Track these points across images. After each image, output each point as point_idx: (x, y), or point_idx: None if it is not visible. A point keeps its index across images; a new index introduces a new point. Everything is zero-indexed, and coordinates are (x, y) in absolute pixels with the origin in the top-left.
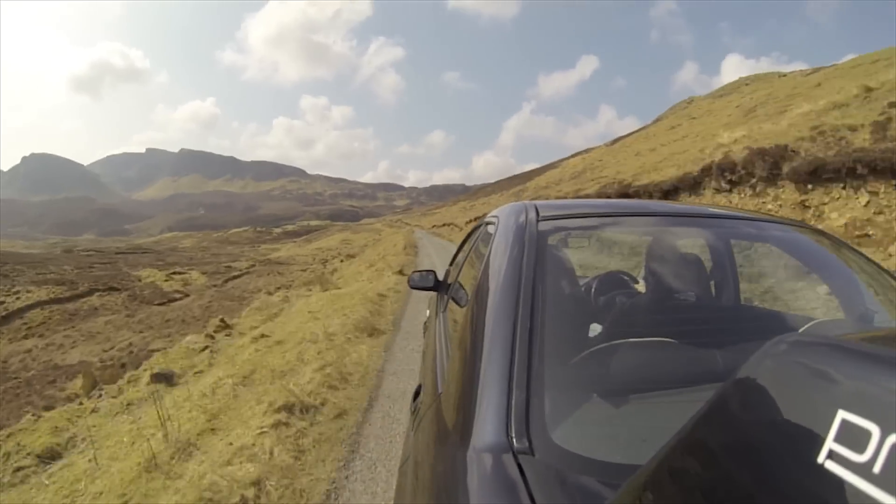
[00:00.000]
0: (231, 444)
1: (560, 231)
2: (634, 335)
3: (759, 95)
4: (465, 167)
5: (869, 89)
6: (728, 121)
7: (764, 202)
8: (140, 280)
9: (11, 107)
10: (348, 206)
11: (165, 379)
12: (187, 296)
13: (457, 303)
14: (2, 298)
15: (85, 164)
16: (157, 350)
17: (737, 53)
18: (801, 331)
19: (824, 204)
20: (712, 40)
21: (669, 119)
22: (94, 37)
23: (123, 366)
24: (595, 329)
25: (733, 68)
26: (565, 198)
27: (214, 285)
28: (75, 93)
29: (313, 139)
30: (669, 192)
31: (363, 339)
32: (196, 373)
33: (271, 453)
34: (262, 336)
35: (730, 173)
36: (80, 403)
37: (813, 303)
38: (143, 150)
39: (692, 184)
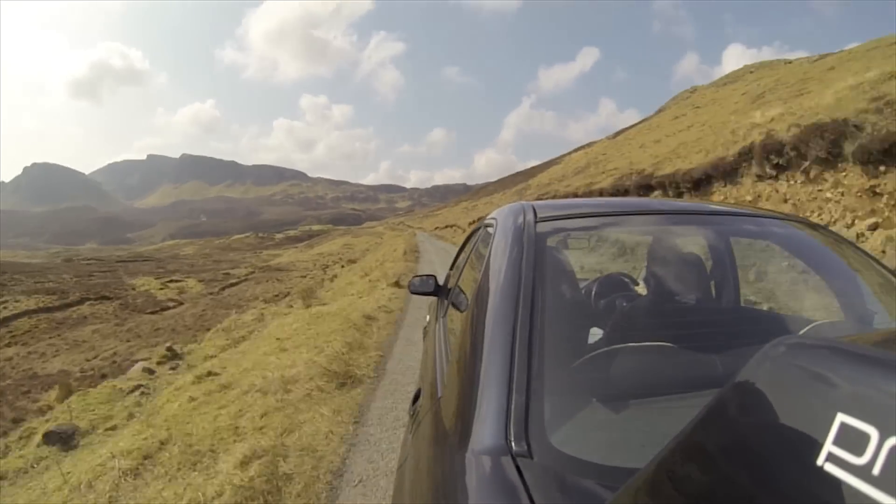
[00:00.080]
0: None
1: (559, 232)
2: (634, 339)
3: (767, 82)
4: (467, 166)
5: None
6: (736, 108)
7: (820, 189)
8: (134, 288)
9: (12, 116)
10: (350, 210)
11: (61, 440)
12: (181, 304)
13: (456, 307)
14: None
15: (86, 172)
16: (142, 359)
17: (738, 43)
18: (800, 333)
19: None
20: (714, 30)
21: (672, 109)
22: (92, 37)
23: (104, 376)
24: (595, 333)
25: (735, 58)
26: (576, 193)
27: (210, 293)
28: (75, 98)
29: (314, 140)
30: (701, 181)
31: (329, 395)
32: (108, 429)
33: None
34: (210, 374)
35: (776, 156)
36: None
37: (812, 303)
38: (145, 157)
39: (727, 171)
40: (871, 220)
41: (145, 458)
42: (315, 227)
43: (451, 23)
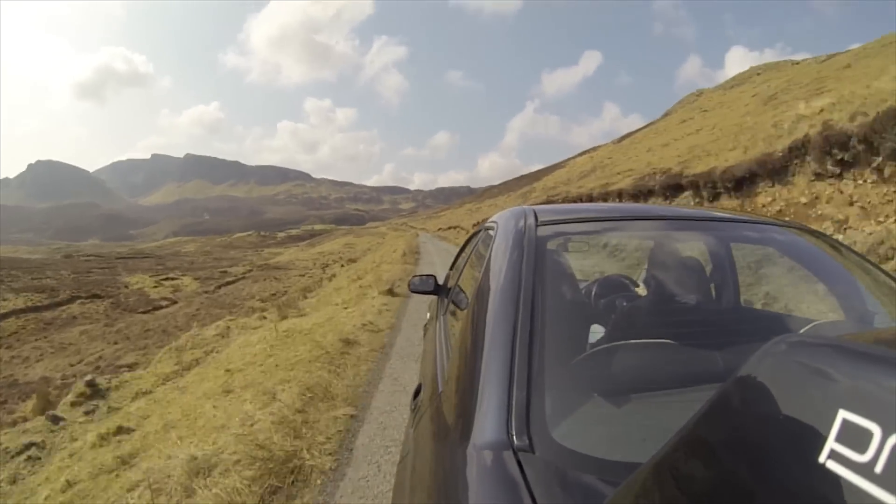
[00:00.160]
0: None
1: (559, 235)
2: (635, 337)
3: (778, 83)
4: (470, 169)
5: None
6: (747, 110)
7: None
8: (127, 287)
9: (17, 114)
10: (354, 210)
11: None
12: (175, 303)
13: (457, 306)
14: None
15: (90, 170)
16: (126, 365)
17: (741, 46)
18: (801, 332)
19: None
20: (715, 33)
21: (679, 113)
22: (97, 42)
23: None
24: (596, 331)
25: (737, 61)
26: (591, 195)
27: (206, 292)
28: (80, 99)
29: (318, 142)
30: (743, 180)
31: None
32: None
33: None
34: (119, 431)
35: (839, 150)
36: None
37: (813, 308)
38: (149, 156)
39: (775, 169)
40: None
41: None
42: (317, 227)
43: (453, 27)
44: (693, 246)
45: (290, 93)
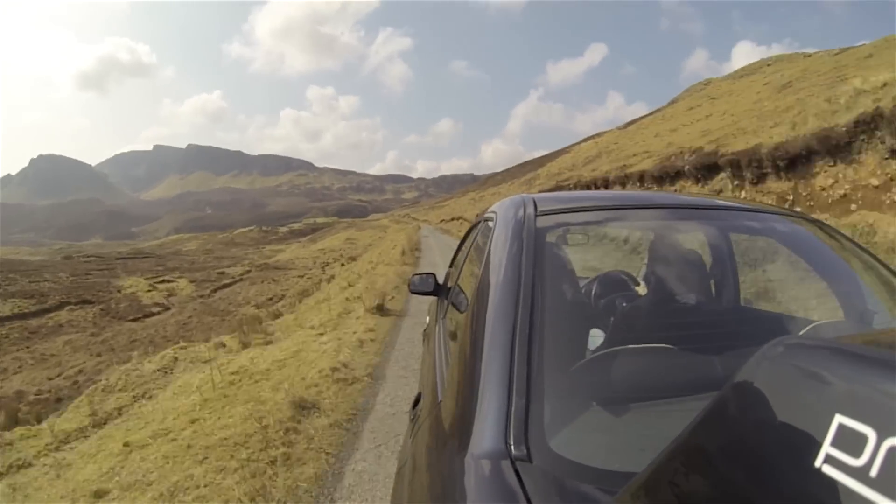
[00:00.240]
0: None
1: (559, 226)
2: (634, 341)
3: (792, 72)
4: (474, 156)
5: None
6: (759, 97)
7: None
8: (119, 291)
9: (19, 107)
10: (357, 201)
11: None
12: (168, 309)
13: (456, 307)
14: None
15: (93, 164)
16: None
17: (748, 40)
18: (800, 334)
19: None
20: (723, 28)
21: (686, 101)
22: (100, 32)
23: (59, 400)
24: (595, 334)
25: (745, 55)
26: (606, 179)
27: (201, 296)
28: (82, 90)
29: (321, 130)
30: (799, 158)
31: None
32: None
33: None
34: None
35: None
36: None
37: (812, 302)
38: (151, 148)
39: (839, 145)
40: None
41: None
42: (319, 220)
43: (459, 18)
44: (694, 237)
45: (293, 82)
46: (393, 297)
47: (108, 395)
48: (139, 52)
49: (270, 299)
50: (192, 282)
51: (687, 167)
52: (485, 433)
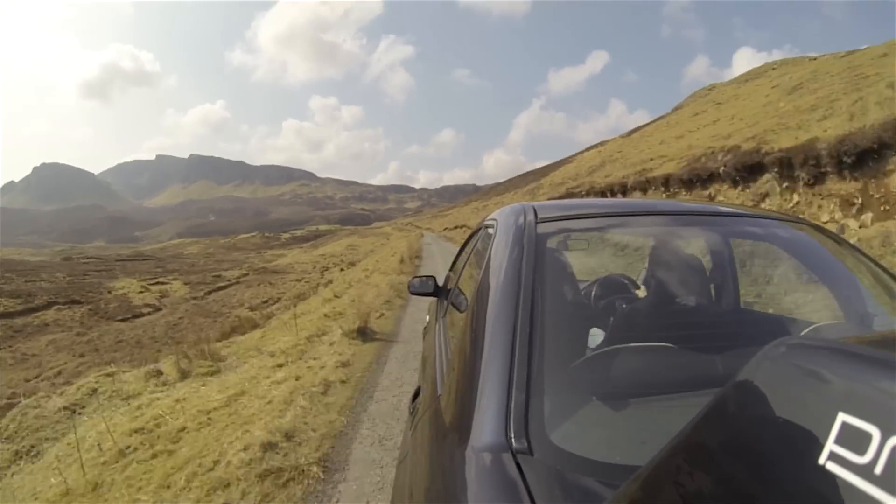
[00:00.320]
0: None
1: (560, 232)
2: (634, 340)
3: (801, 74)
4: (476, 167)
5: None
6: (768, 101)
7: None
8: (110, 292)
9: (23, 115)
10: (359, 210)
11: None
12: (159, 310)
13: (456, 307)
14: None
15: (96, 172)
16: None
17: (749, 47)
18: (801, 335)
19: None
20: (724, 35)
21: (691, 107)
22: (103, 40)
23: (11, 407)
24: (595, 333)
25: (746, 61)
26: (624, 184)
27: (194, 298)
28: (86, 99)
29: (323, 140)
30: (864, 154)
31: None
32: None
33: None
34: None
35: None
36: None
37: (813, 305)
38: (154, 157)
39: None
40: None
41: None
42: (322, 228)
43: (461, 27)
44: (694, 242)
45: (295, 91)
46: (382, 315)
47: None
48: (142, 59)
49: (265, 302)
50: (186, 284)
51: (722, 169)
52: (485, 426)
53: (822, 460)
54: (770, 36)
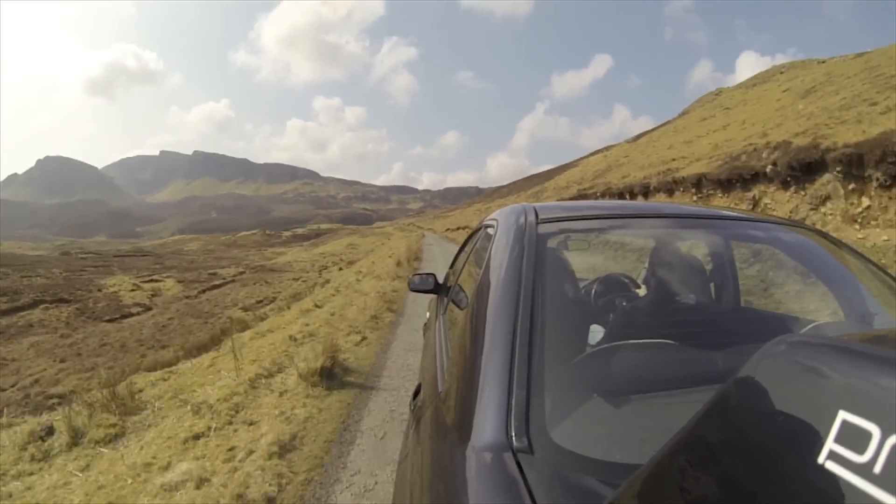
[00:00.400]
0: None
1: (560, 233)
2: (634, 337)
3: (813, 77)
4: (479, 169)
5: None
6: (780, 104)
7: None
8: (100, 290)
9: (28, 110)
10: (361, 210)
11: None
12: (149, 310)
13: (457, 305)
14: None
15: (99, 166)
16: (57, 396)
17: (752, 50)
18: (801, 332)
19: None
20: (727, 38)
21: (698, 111)
22: (108, 39)
23: None
24: (595, 330)
25: (749, 65)
26: (647, 182)
27: (187, 296)
28: (90, 96)
29: (327, 140)
30: None
31: None
32: None
33: None
34: None
35: None
36: None
37: (814, 307)
38: (157, 153)
39: None
40: None
41: None
42: (323, 226)
43: (465, 29)
44: (694, 245)
45: (299, 91)
46: (363, 339)
47: None
48: (146, 58)
49: (260, 302)
50: (180, 282)
51: (769, 168)
52: (486, 425)
53: (821, 459)
54: (773, 39)
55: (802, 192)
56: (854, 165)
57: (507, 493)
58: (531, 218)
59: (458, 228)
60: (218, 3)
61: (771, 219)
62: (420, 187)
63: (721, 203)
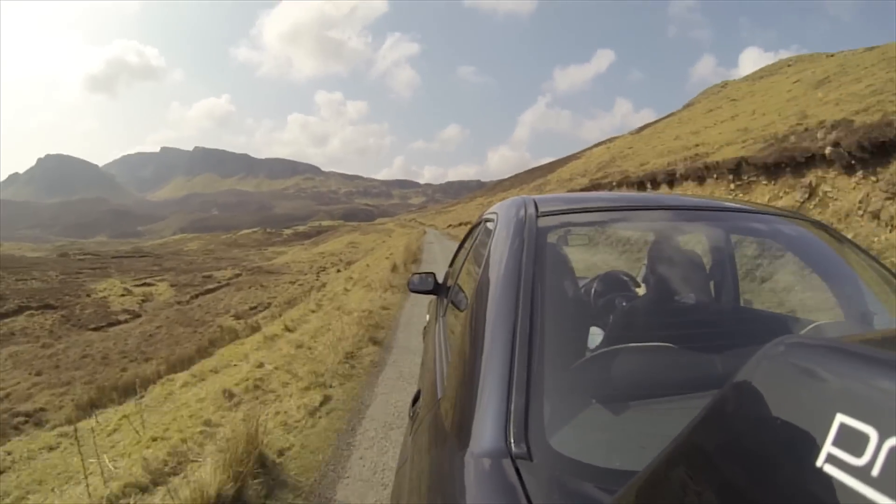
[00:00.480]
0: None
1: (560, 226)
2: (634, 339)
3: (825, 69)
4: (481, 163)
5: None
6: (790, 95)
7: None
8: (89, 295)
9: (29, 108)
10: (363, 205)
11: None
12: (138, 316)
13: (456, 306)
14: None
15: (100, 164)
16: (26, 414)
17: (756, 47)
18: (800, 333)
19: None
20: (730, 34)
21: (704, 103)
22: (109, 35)
23: None
24: (595, 333)
25: (752, 61)
26: (672, 170)
27: (179, 302)
28: (91, 92)
29: (328, 135)
30: None
31: None
32: None
33: None
34: None
35: None
36: None
37: (813, 301)
38: (158, 150)
39: None
40: None
41: None
42: (325, 223)
43: (467, 23)
44: (695, 239)
45: (301, 86)
46: (324, 402)
47: None
48: (147, 55)
49: (254, 308)
50: (173, 286)
51: (828, 149)
52: (485, 431)
53: (819, 462)
54: (777, 36)
55: (873, 178)
56: None
57: (505, 500)
58: (531, 211)
59: (459, 224)
60: (219, 0)
61: (772, 210)
62: (422, 181)
63: (767, 191)
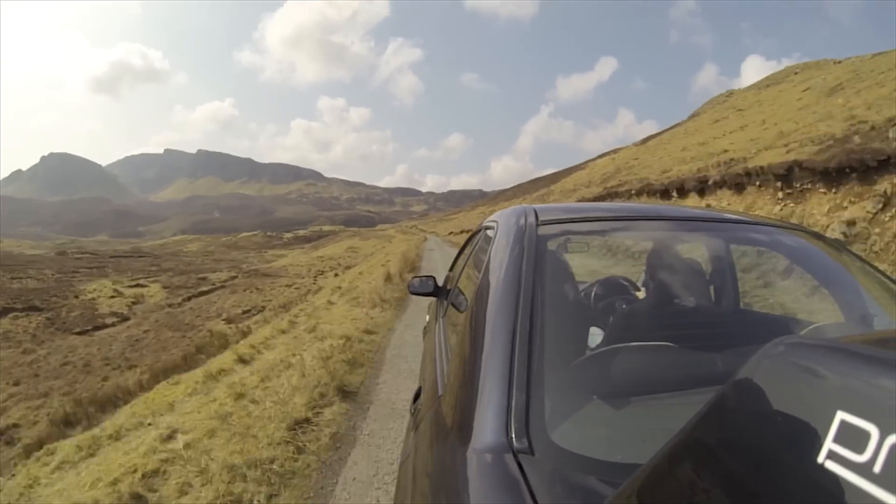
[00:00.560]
0: None
1: (560, 235)
2: (634, 339)
3: (836, 76)
4: (483, 172)
5: None
6: (801, 104)
7: None
8: (77, 297)
9: (33, 107)
10: (365, 212)
11: None
12: (126, 320)
13: (456, 308)
14: None
15: (103, 164)
16: None
17: (757, 55)
18: (800, 334)
19: None
20: (732, 42)
21: (709, 113)
22: (113, 38)
23: None
24: (595, 333)
25: (754, 70)
26: (704, 176)
27: (170, 304)
28: (95, 93)
29: (331, 141)
30: None
31: None
32: None
33: None
34: None
35: None
36: None
37: (814, 310)
38: (162, 151)
39: None
40: None
41: None
42: (325, 228)
43: (470, 31)
44: (694, 248)
45: (304, 91)
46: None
47: None
48: (151, 57)
49: (247, 312)
50: (165, 287)
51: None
52: (486, 427)
53: (821, 459)
54: (779, 44)
55: None
56: None
57: (508, 494)
58: (531, 219)
59: (461, 232)
60: (223, 2)
61: (771, 221)
62: (424, 189)
63: (826, 201)
